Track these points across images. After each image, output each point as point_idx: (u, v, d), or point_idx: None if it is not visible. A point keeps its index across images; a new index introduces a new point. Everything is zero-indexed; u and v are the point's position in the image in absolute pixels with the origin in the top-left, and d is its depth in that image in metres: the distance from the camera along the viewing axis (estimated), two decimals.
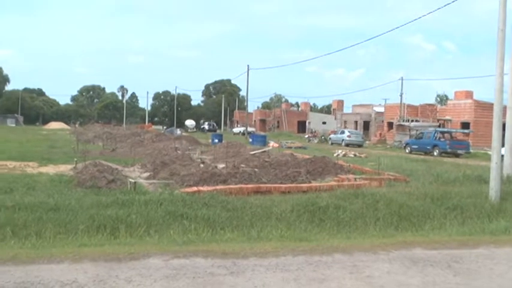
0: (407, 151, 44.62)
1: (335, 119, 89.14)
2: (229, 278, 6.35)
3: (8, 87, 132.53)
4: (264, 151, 28.51)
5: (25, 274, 6.26)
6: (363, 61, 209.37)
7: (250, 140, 50.53)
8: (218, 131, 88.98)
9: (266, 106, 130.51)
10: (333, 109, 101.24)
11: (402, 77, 66.90)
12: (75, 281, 6.02)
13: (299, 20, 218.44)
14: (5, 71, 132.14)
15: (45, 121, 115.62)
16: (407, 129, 57.83)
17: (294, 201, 13.04)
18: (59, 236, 9.71)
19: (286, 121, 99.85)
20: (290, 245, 8.40)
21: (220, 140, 43.88)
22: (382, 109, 74.36)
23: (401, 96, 65.43)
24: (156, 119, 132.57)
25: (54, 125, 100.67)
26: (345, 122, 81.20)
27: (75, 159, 21.10)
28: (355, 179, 17.46)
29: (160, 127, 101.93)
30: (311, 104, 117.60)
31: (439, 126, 54.44)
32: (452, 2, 20.11)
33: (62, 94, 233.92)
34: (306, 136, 72.50)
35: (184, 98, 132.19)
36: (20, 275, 6.23)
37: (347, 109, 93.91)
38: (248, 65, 70.17)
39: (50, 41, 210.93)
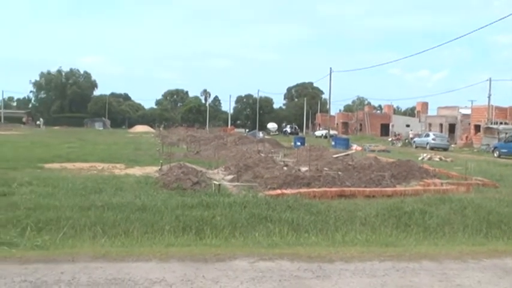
0: (495, 155, 42.99)
1: (419, 121, 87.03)
2: (315, 282, 6.33)
3: (96, 92, 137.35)
4: (347, 154, 28.25)
5: (116, 271, 6.48)
6: (447, 62, 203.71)
7: (333, 143, 50.13)
8: (300, 134, 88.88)
9: (348, 109, 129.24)
10: (417, 111, 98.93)
11: (490, 78, 64.52)
12: (163, 280, 6.18)
13: (379, 21, 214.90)
14: (93, 77, 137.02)
15: (131, 124, 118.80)
16: (496, 132, 55.67)
17: (379, 205, 12.87)
18: (146, 235, 10.03)
19: (369, 124, 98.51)
20: (376, 250, 8.28)
21: (302, 143, 43.69)
22: (468, 111, 71.81)
23: (489, 97, 63.06)
24: (238, 122, 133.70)
25: (139, 128, 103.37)
26: (430, 124, 79.04)
27: (161, 161, 21.61)
28: (442, 183, 16.98)
29: (242, 130, 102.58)
30: (394, 106, 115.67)
31: None
32: None
33: (147, 98, 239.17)
34: (389, 139, 71.28)
35: (267, 101, 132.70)
36: (111, 271, 6.46)
37: (431, 111, 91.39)
38: (331, 68, 69.82)
39: (135, 47, 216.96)
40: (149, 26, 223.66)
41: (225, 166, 21.32)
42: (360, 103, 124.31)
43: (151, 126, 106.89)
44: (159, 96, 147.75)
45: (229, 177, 18.36)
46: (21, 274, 6.27)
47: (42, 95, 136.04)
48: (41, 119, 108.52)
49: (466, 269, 7.19)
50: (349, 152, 32.87)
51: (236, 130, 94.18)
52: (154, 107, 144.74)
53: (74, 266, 6.68)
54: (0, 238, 8.50)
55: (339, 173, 17.95)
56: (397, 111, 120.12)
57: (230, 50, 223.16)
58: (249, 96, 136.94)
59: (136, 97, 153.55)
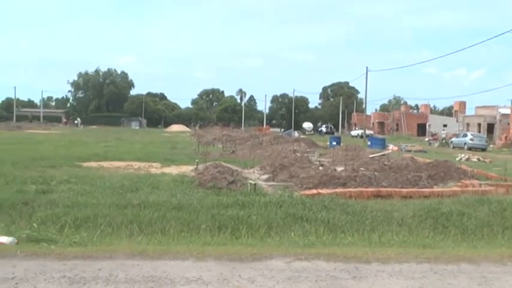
0: None
1: (457, 121, 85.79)
2: (351, 283, 6.27)
3: (133, 91, 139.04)
4: (384, 154, 28.01)
5: (152, 269, 6.53)
6: (484, 60, 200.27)
7: (369, 143, 49.75)
8: (336, 134, 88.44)
9: (384, 108, 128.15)
10: (454, 111, 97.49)
11: None
12: (199, 278, 6.19)
13: (416, 19, 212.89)
14: (130, 77, 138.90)
15: (167, 124, 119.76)
16: None
17: (415, 206, 12.72)
18: (183, 234, 10.09)
19: (405, 124, 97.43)
20: (413, 251, 8.16)
21: (338, 143, 43.43)
22: (507, 111, 70.41)
23: None
24: (273, 121, 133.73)
25: (175, 127, 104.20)
26: (468, 124, 77.83)
27: (196, 160, 21.72)
28: (480, 184, 16.70)
29: (278, 130, 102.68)
30: (431, 106, 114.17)
31: None
32: None
33: (183, 98, 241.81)
34: (426, 139, 70.41)
35: (302, 101, 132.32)
36: (148, 269, 6.51)
37: (469, 111, 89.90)
38: (367, 67, 69.14)
39: (172, 47, 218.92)
40: (186, 25, 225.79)
41: (260, 165, 21.34)
42: (396, 102, 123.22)
43: (187, 126, 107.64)
44: (195, 96, 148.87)
45: (265, 176, 18.37)
46: (60, 270, 6.36)
47: (80, 94, 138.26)
48: (79, 119, 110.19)
49: (506, 273, 7.02)
50: (386, 152, 32.59)
51: (271, 130, 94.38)
52: (190, 106, 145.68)
53: (111, 263, 6.76)
54: (39, 235, 8.63)
55: (375, 173, 17.80)
56: (434, 111, 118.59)
57: (266, 49, 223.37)
58: (284, 96, 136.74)
59: (172, 96, 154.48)
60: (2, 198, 12.14)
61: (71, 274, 6.21)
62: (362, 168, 19.35)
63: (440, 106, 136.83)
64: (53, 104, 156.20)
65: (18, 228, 9.61)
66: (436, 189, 16.01)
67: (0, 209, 11.25)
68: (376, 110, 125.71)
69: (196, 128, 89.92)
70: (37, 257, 6.98)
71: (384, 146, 44.06)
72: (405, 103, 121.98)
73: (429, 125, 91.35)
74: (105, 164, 21.92)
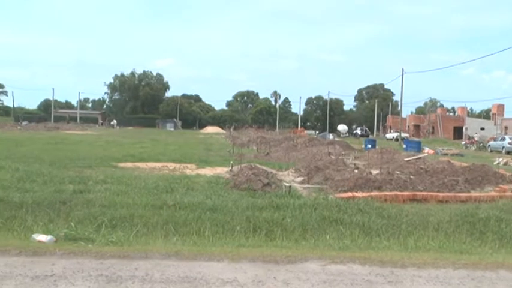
0: None
1: (494, 124, 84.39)
2: (387, 287, 6.22)
3: (168, 93, 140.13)
4: (419, 158, 27.67)
5: (188, 269, 6.57)
6: None
7: (404, 146, 49.17)
8: (371, 137, 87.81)
9: (420, 111, 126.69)
10: (492, 114, 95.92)
11: None
12: (235, 280, 6.20)
13: (454, 20, 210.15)
14: (165, 78, 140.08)
15: (202, 125, 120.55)
16: None
17: (452, 211, 12.54)
18: (217, 235, 10.15)
19: (442, 127, 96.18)
20: (450, 257, 8.03)
21: (373, 146, 43.13)
22: None
23: None
24: (308, 123, 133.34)
25: (210, 129, 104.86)
26: (506, 127, 76.54)
27: (231, 162, 21.80)
28: None
29: (312, 132, 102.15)
30: (468, 108, 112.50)
31: None
32: None
33: (218, 100, 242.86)
34: (463, 143, 69.28)
35: (337, 103, 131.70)
36: (184, 269, 6.55)
37: (508, 114, 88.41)
38: (403, 69, 68.50)
39: (207, 49, 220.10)
40: (220, 28, 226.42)
41: (295, 168, 21.29)
42: (432, 105, 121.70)
43: (222, 127, 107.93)
44: (230, 98, 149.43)
45: (300, 179, 18.33)
46: (97, 268, 6.45)
47: (116, 96, 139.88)
48: (115, 120, 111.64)
49: None
50: (421, 155, 32.21)
51: (306, 132, 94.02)
52: (225, 108, 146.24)
53: (147, 262, 6.82)
54: (77, 233, 8.77)
55: (411, 176, 17.62)
56: (471, 114, 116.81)
57: (301, 51, 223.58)
58: (319, 98, 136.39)
59: (207, 98, 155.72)
60: (40, 198, 12.38)
61: (107, 273, 6.29)
62: (397, 172, 19.17)
63: (477, 109, 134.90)
64: (90, 105, 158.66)
65: (56, 227, 9.79)
66: (473, 193, 15.75)
67: (38, 208, 11.47)
68: (411, 112, 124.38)
69: (231, 129, 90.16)
70: (75, 256, 7.09)
71: (419, 149, 43.51)
72: (441, 105, 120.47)
73: (466, 128, 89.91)
74: (141, 164, 22.15)
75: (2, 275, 6.13)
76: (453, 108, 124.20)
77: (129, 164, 22.12)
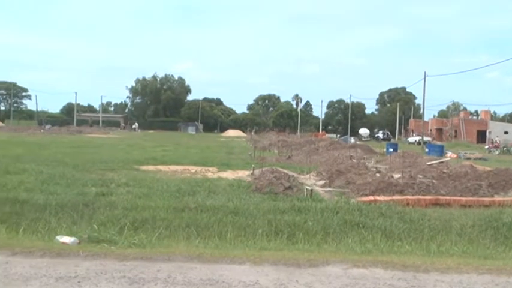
0: None
1: None
2: None
3: (190, 97, 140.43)
4: (442, 162, 27.46)
5: (210, 272, 6.57)
6: None
7: (427, 149, 48.87)
8: (393, 140, 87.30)
9: (443, 114, 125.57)
10: None
11: None
12: (257, 283, 6.19)
13: (477, 22, 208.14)
14: (187, 82, 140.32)
15: (223, 129, 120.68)
16: None
17: (475, 215, 12.45)
18: (239, 238, 10.16)
19: (465, 130, 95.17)
20: (473, 262, 7.94)
21: (395, 149, 42.82)
22: None
23: None
24: (329, 127, 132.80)
25: (231, 132, 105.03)
26: None
27: (253, 165, 21.84)
28: None
29: (333, 135, 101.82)
30: (492, 112, 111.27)
31: None
32: None
33: (239, 103, 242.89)
34: (486, 147, 68.56)
35: (358, 106, 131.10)
36: (206, 272, 6.56)
37: None
38: (425, 72, 67.81)
39: (228, 53, 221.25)
40: (242, 32, 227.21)
41: (316, 171, 21.27)
42: (455, 108, 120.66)
43: (243, 131, 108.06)
44: (251, 101, 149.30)
45: (321, 182, 18.30)
46: (120, 270, 6.49)
47: (138, 100, 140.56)
48: (136, 123, 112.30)
49: None
50: (444, 159, 31.95)
51: (327, 135, 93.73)
52: (246, 111, 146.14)
53: (169, 265, 6.84)
54: (100, 235, 8.83)
55: (434, 180, 17.49)
56: (494, 117, 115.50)
57: (321, 55, 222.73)
58: (340, 101, 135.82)
59: (228, 102, 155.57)
60: (64, 200, 12.53)
61: (130, 274, 6.33)
62: (420, 176, 19.03)
63: (501, 112, 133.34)
64: (112, 109, 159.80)
65: (80, 228, 9.89)
66: (496, 198, 15.63)
67: (62, 210, 11.60)
68: (434, 116, 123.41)
69: (252, 133, 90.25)
70: (98, 257, 7.14)
71: (442, 153, 43.15)
72: (464, 109, 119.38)
73: (489, 132, 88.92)
74: (163, 167, 22.29)
75: (27, 275, 6.20)
76: (476, 112, 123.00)
77: (151, 167, 22.27)
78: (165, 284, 6.01)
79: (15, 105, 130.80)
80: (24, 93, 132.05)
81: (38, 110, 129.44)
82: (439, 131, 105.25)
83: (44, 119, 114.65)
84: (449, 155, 42.58)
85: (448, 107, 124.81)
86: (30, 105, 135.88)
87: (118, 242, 8.54)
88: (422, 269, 7.12)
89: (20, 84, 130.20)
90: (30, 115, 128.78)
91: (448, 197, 14.85)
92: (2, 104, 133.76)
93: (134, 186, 15.40)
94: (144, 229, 10.39)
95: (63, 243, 8.34)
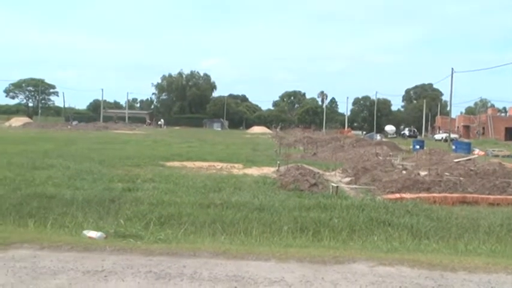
0: None
1: None
2: None
3: (215, 93, 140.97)
4: (469, 159, 27.12)
5: (236, 268, 6.58)
6: None
7: (454, 147, 48.27)
8: (419, 137, 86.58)
9: (470, 111, 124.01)
10: None
11: None
12: (282, 280, 6.18)
13: (506, 17, 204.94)
14: (212, 79, 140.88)
15: (248, 125, 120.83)
16: None
17: (504, 214, 12.29)
18: (265, 234, 10.15)
19: (493, 127, 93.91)
20: (502, 261, 7.79)
21: (421, 147, 42.48)
22: None
23: None
24: (355, 124, 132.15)
25: (256, 129, 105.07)
26: None
27: (278, 162, 21.81)
28: None
29: (359, 132, 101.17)
30: None
31: None
32: None
33: (264, 100, 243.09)
34: None
35: (384, 103, 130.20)
36: (231, 268, 6.57)
37: None
38: (452, 68, 66.96)
39: (253, 50, 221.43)
40: (267, 28, 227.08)
41: (342, 168, 21.19)
42: (482, 105, 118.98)
43: (268, 127, 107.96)
44: (277, 98, 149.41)
45: (347, 179, 18.23)
46: (146, 265, 6.53)
47: (164, 96, 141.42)
48: (162, 120, 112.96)
49: None
50: (471, 156, 31.56)
51: (353, 132, 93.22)
52: (272, 108, 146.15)
53: (195, 261, 6.86)
54: (126, 231, 8.91)
55: (461, 178, 17.29)
56: None
57: (347, 51, 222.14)
58: (366, 98, 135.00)
59: (253, 98, 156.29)
60: (90, 195, 12.66)
61: (156, 270, 6.36)
62: (447, 173, 18.83)
63: None
64: (138, 105, 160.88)
65: (106, 223, 9.97)
66: None
67: (89, 205, 11.71)
68: (461, 112, 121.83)
69: (278, 129, 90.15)
70: (124, 252, 7.20)
71: (469, 151, 42.60)
72: (492, 106, 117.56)
73: None
74: (188, 164, 22.37)
75: (54, 269, 6.28)
76: (504, 109, 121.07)
77: (176, 163, 22.37)
78: (191, 280, 6.03)
79: (43, 101, 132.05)
80: (51, 90, 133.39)
81: (65, 106, 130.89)
82: (466, 128, 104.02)
83: (71, 115, 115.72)
84: (477, 152, 42.04)
85: (476, 104, 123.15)
86: (57, 101, 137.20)
87: (144, 237, 8.61)
88: (450, 268, 7.04)
89: (48, 81, 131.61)
90: (57, 111, 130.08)
91: (475, 195, 14.67)
92: (30, 100, 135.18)
93: (160, 182, 15.49)
94: (170, 225, 10.45)
95: (90, 237, 8.43)
